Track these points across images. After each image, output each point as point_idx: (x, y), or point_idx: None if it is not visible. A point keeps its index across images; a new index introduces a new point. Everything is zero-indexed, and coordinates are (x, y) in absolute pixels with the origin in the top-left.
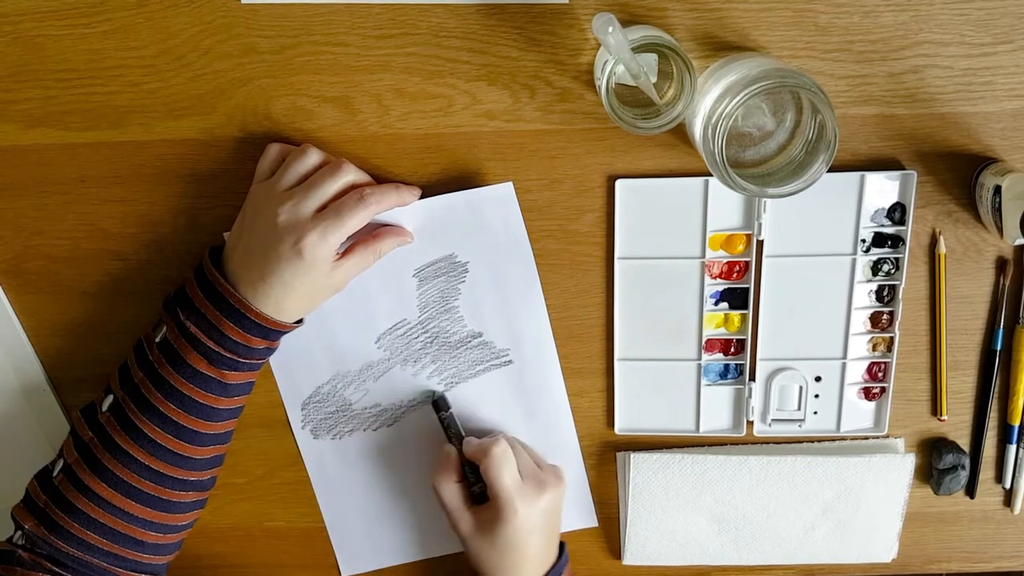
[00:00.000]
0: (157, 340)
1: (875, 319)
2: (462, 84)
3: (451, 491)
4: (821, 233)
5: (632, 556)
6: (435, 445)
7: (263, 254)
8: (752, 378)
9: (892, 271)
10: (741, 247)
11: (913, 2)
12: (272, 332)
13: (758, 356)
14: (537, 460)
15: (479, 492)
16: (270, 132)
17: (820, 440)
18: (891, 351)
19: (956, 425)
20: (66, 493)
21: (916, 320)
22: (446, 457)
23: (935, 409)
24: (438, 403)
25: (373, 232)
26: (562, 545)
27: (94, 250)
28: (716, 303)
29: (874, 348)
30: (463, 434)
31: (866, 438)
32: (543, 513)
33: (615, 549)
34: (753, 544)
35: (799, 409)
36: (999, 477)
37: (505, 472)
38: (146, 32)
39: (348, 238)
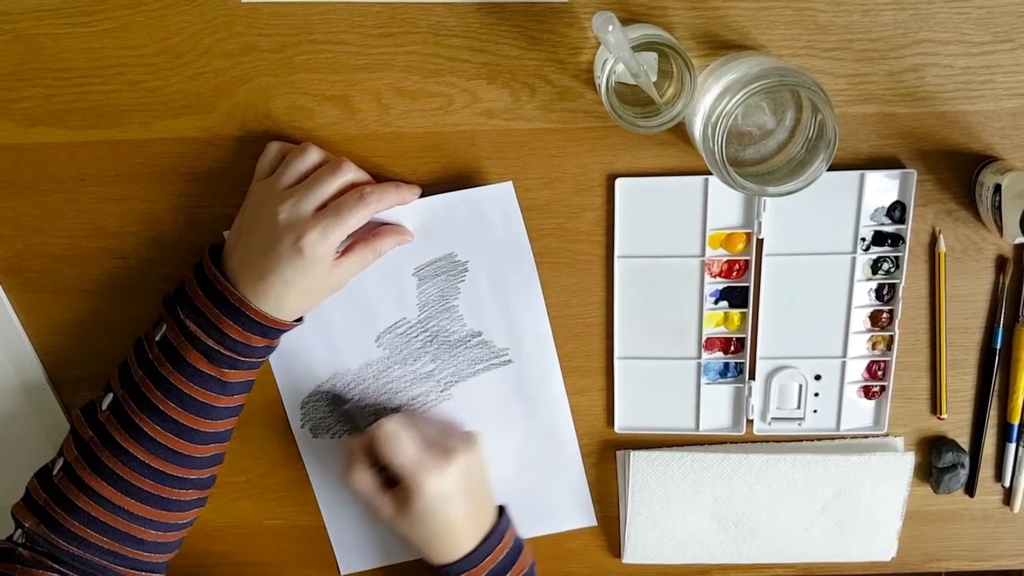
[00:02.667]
0: (157, 338)
1: (875, 318)
2: (462, 82)
3: (362, 480)
4: (821, 232)
5: (632, 554)
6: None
7: (263, 252)
8: (752, 376)
9: (892, 270)
10: (741, 246)
11: (913, 0)
12: (272, 330)
13: (758, 355)
14: (444, 429)
15: (392, 476)
16: (270, 131)
17: (820, 439)
18: (891, 350)
19: (956, 424)
20: (66, 491)
21: (916, 319)
22: (349, 450)
23: (935, 408)
24: (335, 398)
25: (373, 230)
26: (501, 508)
27: (94, 249)
28: (716, 302)
29: (874, 347)
30: (362, 426)
31: (866, 436)
32: (457, 479)
33: (615, 547)
34: (753, 542)
35: (799, 408)
36: (999, 476)
37: (398, 450)
38: (146, 31)
39: (348, 236)
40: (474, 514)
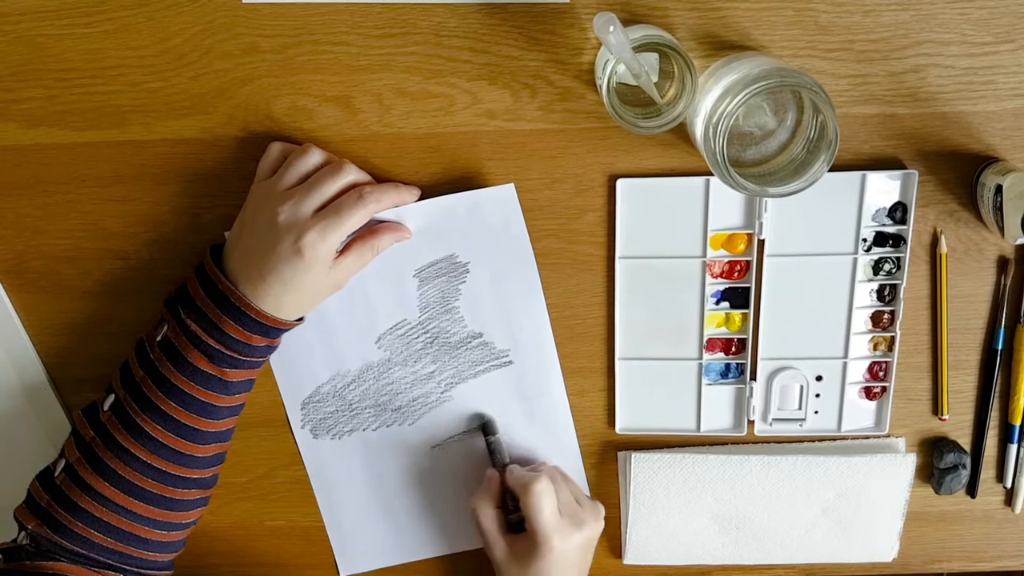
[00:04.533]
0: (158, 339)
1: (876, 318)
2: (463, 83)
3: (489, 517)
4: (822, 232)
5: (633, 555)
6: (434, 446)
7: (263, 253)
8: (753, 377)
9: (893, 270)
10: (742, 246)
11: (914, 1)
12: (272, 330)
13: (759, 355)
14: (577, 495)
15: (517, 520)
16: (271, 131)
17: (821, 439)
18: (892, 350)
19: (957, 424)
20: (68, 492)
21: (917, 319)
22: (489, 482)
23: (936, 408)
24: (486, 427)
25: (371, 229)
26: None
27: (95, 249)
28: (717, 302)
29: (875, 347)
30: (507, 460)
31: (867, 437)
32: (577, 549)
33: (616, 548)
34: (754, 543)
35: (800, 408)
36: (1000, 476)
37: (545, 509)
38: (147, 31)
39: (347, 236)
40: None
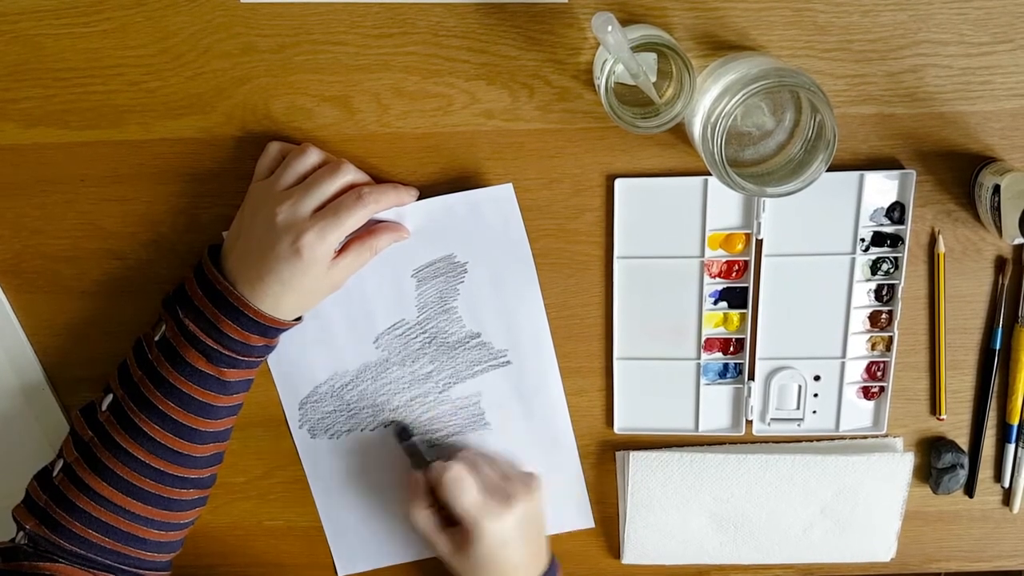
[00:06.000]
0: (156, 339)
1: (874, 318)
2: (461, 83)
3: (423, 517)
4: (820, 232)
5: (631, 555)
6: (432, 447)
7: (261, 253)
8: (751, 377)
9: (891, 270)
10: (740, 246)
11: (912, 1)
12: (270, 330)
13: (757, 355)
14: (505, 471)
15: (451, 514)
16: (269, 131)
17: (819, 439)
18: (890, 350)
19: (955, 424)
20: (66, 492)
21: (915, 319)
22: (414, 485)
23: (934, 408)
24: (401, 433)
25: (369, 228)
26: (551, 554)
27: (93, 249)
28: (715, 302)
29: (873, 347)
30: (428, 459)
31: (865, 437)
32: (516, 525)
33: (614, 548)
34: (752, 543)
35: (798, 408)
36: (998, 476)
37: (462, 495)
38: (145, 31)
39: (345, 236)
40: (529, 559)
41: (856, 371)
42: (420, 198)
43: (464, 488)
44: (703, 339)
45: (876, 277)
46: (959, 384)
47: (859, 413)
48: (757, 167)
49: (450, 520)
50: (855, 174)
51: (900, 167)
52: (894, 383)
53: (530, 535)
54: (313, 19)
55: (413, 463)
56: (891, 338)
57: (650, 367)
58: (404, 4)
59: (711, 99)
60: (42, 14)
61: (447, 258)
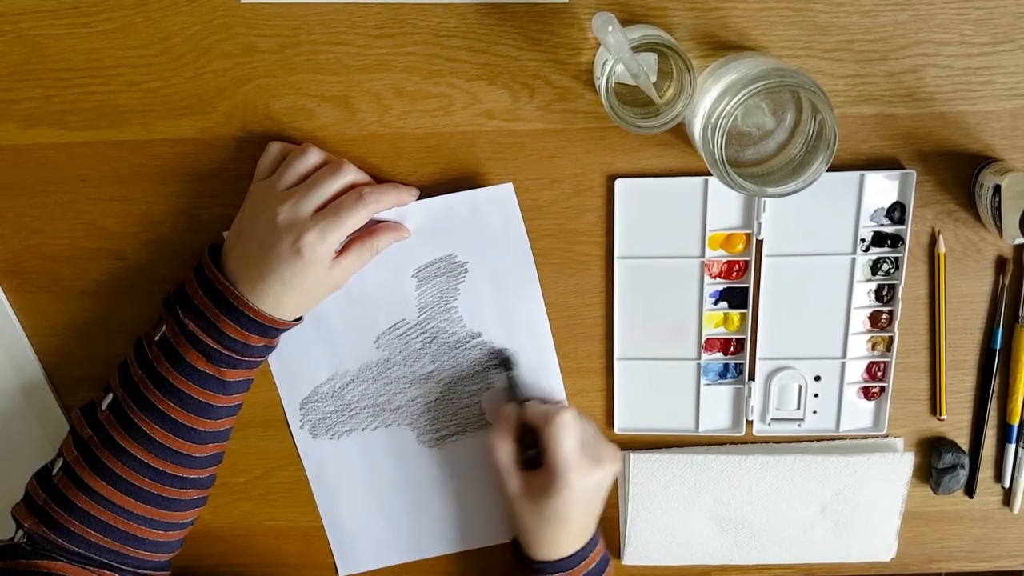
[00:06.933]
0: (156, 338)
1: (874, 318)
2: (462, 83)
3: (505, 451)
4: (820, 232)
5: (632, 556)
6: (433, 447)
7: (262, 253)
8: (752, 377)
9: (891, 270)
10: (741, 246)
11: (912, 1)
12: (271, 330)
13: (757, 355)
14: (599, 436)
15: (532, 457)
16: (270, 131)
17: (819, 439)
18: (890, 350)
19: (955, 424)
20: (65, 491)
21: (915, 319)
22: (507, 416)
23: (934, 408)
24: (505, 363)
25: (370, 228)
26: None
27: (94, 249)
28: (716, 302)
29: (873, 347)
30: (527, 396)
31: (865, 437)
32: (594, 488)
33: (615, 549)
34: (752, 543)
35: (798, 408)
36: (998, 476)
37: (566, 441)
38: (145, 31)
39: (346, 236)
40: (585, 526)
41: (856, 371)
42: (421, 198)
43: (569, 435)
44: (703, 339)
45: (876, 277)
46: (959, 384)
47: (859, 413)
48: (757, 167)
49: (524, 464)
50: (855, 174)
51: (900, 167)
52: (894, 383)
53: (596, 503)
54: (314, 19)
55: (509, 395)
56: (891, 338)
57: (650, 367)
58: (405, 4)
59: (711, 99)
60: (42, 14)
61: (448, 258)
